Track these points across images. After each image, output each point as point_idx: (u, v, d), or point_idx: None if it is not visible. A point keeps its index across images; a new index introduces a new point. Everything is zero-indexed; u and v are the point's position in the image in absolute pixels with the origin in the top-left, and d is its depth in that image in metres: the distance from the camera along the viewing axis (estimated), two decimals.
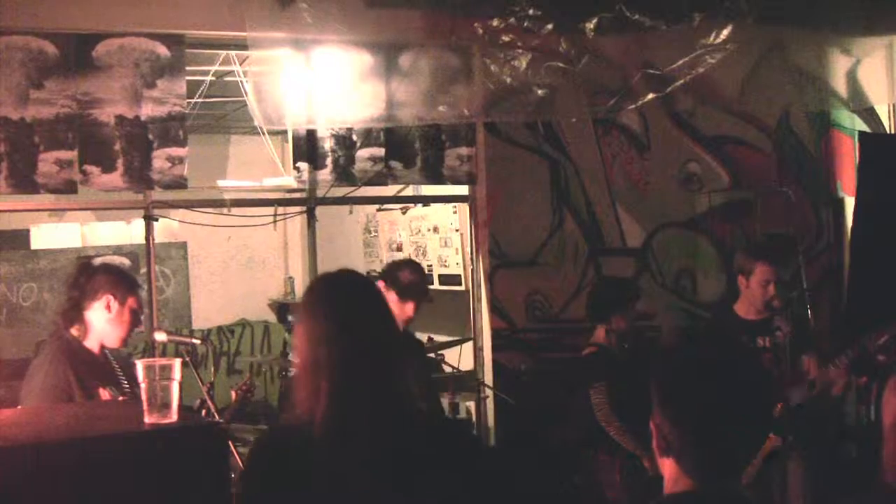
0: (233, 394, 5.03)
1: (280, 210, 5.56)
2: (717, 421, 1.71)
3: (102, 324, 3.56)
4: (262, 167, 7.30)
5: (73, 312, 3.57)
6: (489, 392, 5.60)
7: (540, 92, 5.48)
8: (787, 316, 4.87)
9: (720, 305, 5.44)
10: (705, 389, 1.74)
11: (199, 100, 6.17)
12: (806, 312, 5.40)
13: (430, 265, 7.02)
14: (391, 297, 4.26)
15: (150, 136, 4.96)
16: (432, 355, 5.38)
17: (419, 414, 2.25)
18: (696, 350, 1.88)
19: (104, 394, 3.45)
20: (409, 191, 6.65)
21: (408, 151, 5.66)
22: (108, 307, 3.55)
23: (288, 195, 5.83)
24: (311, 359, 2.11)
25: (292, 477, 2.05)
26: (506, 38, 5.37)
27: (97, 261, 3.84)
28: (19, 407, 3.34)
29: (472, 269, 5.91)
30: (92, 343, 3.57)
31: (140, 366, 2.25)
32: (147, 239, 5.19)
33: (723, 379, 1.74)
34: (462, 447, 2.23)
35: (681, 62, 5.51)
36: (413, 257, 7.18)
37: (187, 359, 3.18)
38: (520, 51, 5.38)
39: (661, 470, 1.81)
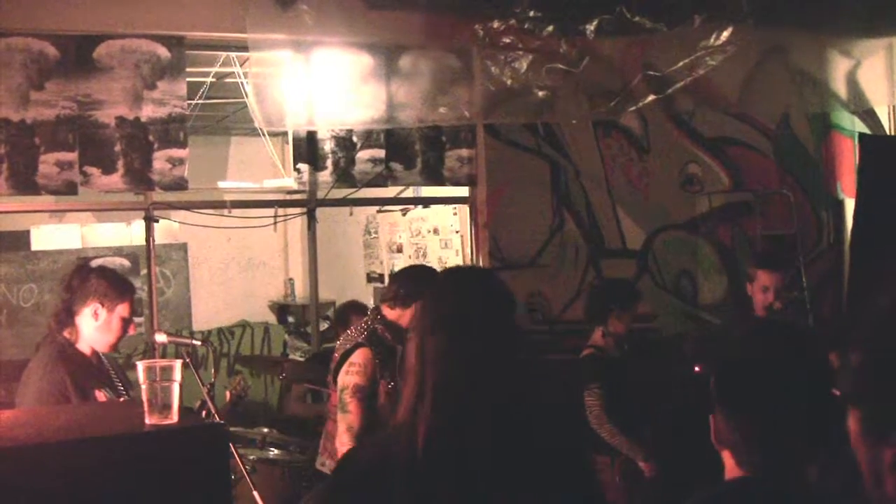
0: (227, 394, 5.04)
1: (280, 211, 5.56)
2: (767, 415, 1.71)
3: (91, 330, 3.53)
4: (262, 168, 7.31)
5: (65, 315, 3.55)
6: None
7: (540, 94, 5.49)
8: (788, 316, 4.90)
9: (737, 310, 5.48)
10: (755, 385, 1.74)
11: (200, 101, 6.19)
12: (806, 314, 5.41)
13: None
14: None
15: (151, 138, 4.96)
16: None
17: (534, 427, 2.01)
18: (750, 344, 1.87)
19: (100, 396, 3.44)
20: (410, 192, 6.65)
21: (408, 153, 5.67)
22: (96, 315, 3.51)
23: (288, 196, 5.83)
24: (418, 364, 1.95)
25: (387, 494, 1.93)
26: (506, 40, 5.37)
27: (95, 262, 3.81)
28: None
29: None
30: (83, 346, 3.55)
31: (141, 367, 2.25)
32: (147, 240, 5.20)
33: (773, 374, 1.74)
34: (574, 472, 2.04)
35: (681, 64, 5.52)
36: (413, 259, 7.18)
37: (188, 360, 3.17)
38: (520, 52, 5.39)
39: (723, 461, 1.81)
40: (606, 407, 4.79)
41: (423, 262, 7.03)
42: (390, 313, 4.09)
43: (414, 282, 4.12)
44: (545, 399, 2.13)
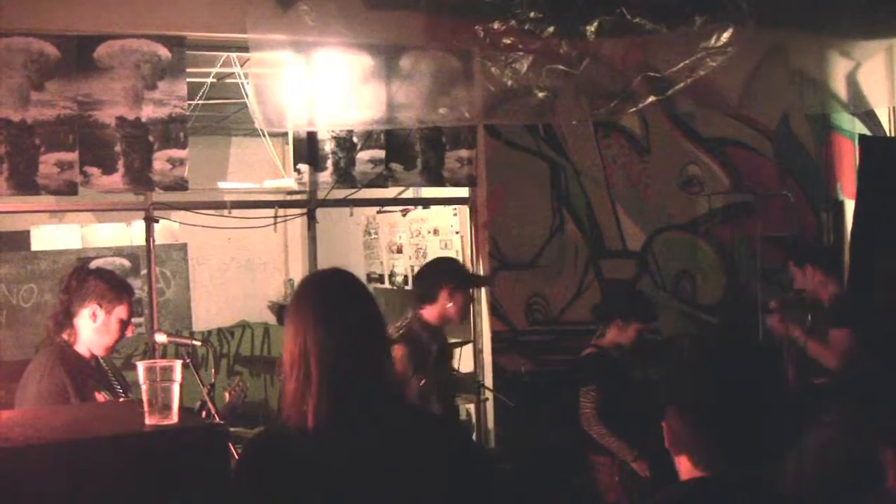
0: (226, 395, 5.03)
1: (280, 212, 5.56)
2: (719, 415, 1.73)
3: (88, 332, 3.52)
4: (262, 169, 7.31)
5: (63, 317, 3.54)
6: (489, 394, 5.60)
7: (540, 94, 5.49)
8: (784, 317, 4.95)
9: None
10: (705, 385, 1.76)
11: (200, 101, 6.19)
12: (805, 315, 5.41)
13: None
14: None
15: (151, 138, 4.96)
16: None
17: (407, 408, 2.27)
18: (699, 347, 1.91)
19: (99, 398, 3.43)
20: (410, 193, 6.65)
21: (408, 154, 5.67)
22: (94, 316, 3.50)
23: (288, 197, 5.83)
24: (299, 354, 2.14)
25: (285, 477, 2.06)
26: (506, 41, 5.37)
27: (95, 263, 3.81)
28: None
29: (473, 272, 5.91)
30: (81, 348, 3.54)
31: (141, 367, 2.25)
32: (147, 240, 5.19)
33: (722, 374, 1.77)
34: (452, 443, 2.24)
35: (681, 65, 5.52)
36: (413, 259, 7.18)
37: (188, 360, 3.17)
38: (520, 53, 5.39)
39: (676, 467, 1.82)
40: (603, 408, 4.79)
41: (425, 260, 7.04)
42: (425, 314, 4.40)
43: (422, 279, 4.52)
44: None
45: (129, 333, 3.64)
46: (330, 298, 2.20)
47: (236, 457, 3.53)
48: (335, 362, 2.09)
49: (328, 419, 2.06)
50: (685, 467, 1.79)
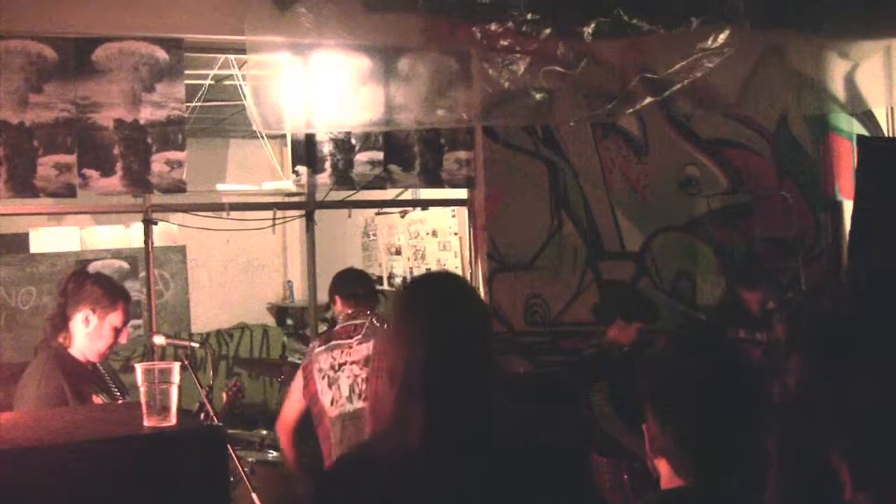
0: (223, 395, 5.03)
1: (279, 214, 5.57)
2: (700, 421, 1.73)
3: (81, 336, 3.51)
4: (261, 171, 7.32)
5: (59, 320, 3.53)
6: None
7: (538, 96, 5.49)
8: (783, 317, 4.94)
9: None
10: (686, 390, 1.75)
11: (198, 104, 6.19)
12: (804, 314, 5.41)
13: (429, 269, 7.03)
14: None
15: (149, 140, 4.96)
16: None
17: (518, 430, 2.06)
18: (678, 351, 1.89)
19: (97, 401, 3.42)
20: (408, 194, 6.65)
21: (406, 155, 5.67)
22: (87, 321, 3.48)
23: (287, 199, 5.83)
24: (404, 366, 1.97)
25: (381, 498, 1.93)
26: (504, 43, 5.37)
27: (93, 265, 3.80)
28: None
29: (471, 273, 5.92)
30: (76, 352, 3.53)
31: (139, 369, 2.25)
32: (146, 242, 5.19)
33: (704, 379, 1.76)
34: (563, 474, 2.03)
35: (679, 66, 5.52)
36: (412, 261, 7.18)
37: (186, 362, 3.17)
38: (518, 55, 5.39)
39: (656, 471, 1.82)
40: (613, 406, 4.80)
41: (424, 262, 7.04)
42: None
43: None
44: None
45: (123, 340, 3.60)
46: (443, 307, 2.03)
47: (235, 459, 3.55)
48: (444, 378, 1.93)
49: (436, 439, 1.91)
50: (665, 473, 1.78)
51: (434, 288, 2.15)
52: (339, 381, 4.29)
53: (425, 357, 1.95)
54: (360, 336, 4.33)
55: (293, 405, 4.46)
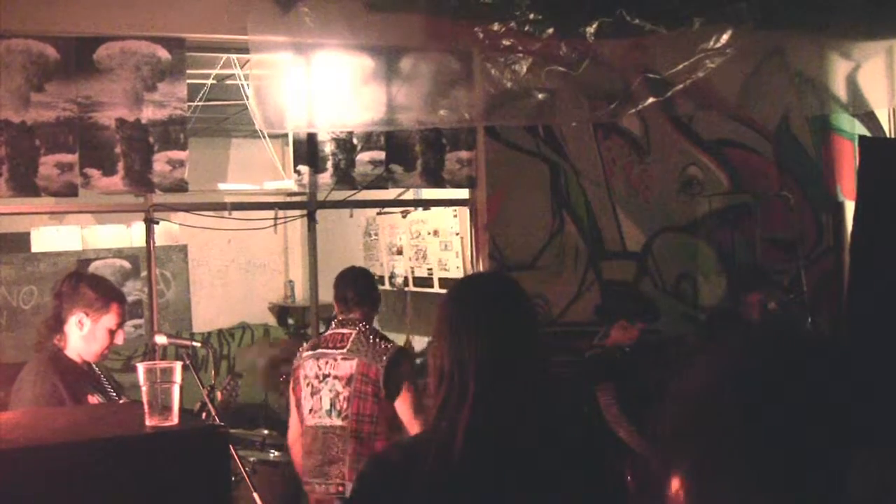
0: (218, 394, 5.03)
1: (280, 213, 5.57)
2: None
3: (76, 339, 3.50)
4: (262, 170, 7.31)
5: (54, 321, 3.52)
6: None
7: (540, 96, 5.49)
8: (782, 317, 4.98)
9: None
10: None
11: (200, 103, 6.19)
12: (805, 316, 5.41)
13: (431, 269, 7.03)
14: None
15: (151, 140, 4.96)
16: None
17: (564, 433, 2.05)
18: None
19: (93, 401, 3.42)
20: (410, 194, 6.65)
21: (408, 155, 5.67)
22: (81, 324, 3.47)
23: (288, 198, 5.83)
24: (451, 365, 1.96)
25: (421, 495, 1.92)
26: (506, 43, 5.37)
27: (95, 265, 3.79)
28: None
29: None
30: (71, 353, 3.52)
31: (141, 369, 2.25)
32: (147, 242, 5.20)
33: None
34: (605, 482, 2.02)
35: (681, 66, 5.52)
36: (413, 261, 7.18)
37: (188, 362, 3.17)
38: (520, 55, 5.39)
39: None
40: (619, 405, 4.79)
41: (426, 261, 7.04)
42: None
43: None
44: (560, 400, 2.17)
45: (118, 341, 3.59)
46: (493, 306, 2.02)
47: (237, 458, 3.55)
48: (493, 377, 1.92)
49: (479, 442, 1.89)
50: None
51: (484, 287, 2.14)
52: (321, 393, 4.21)
53: (475, 358, 1.93)
54: (344, 351, 4.20)
55: (296, 419, 4.38)
